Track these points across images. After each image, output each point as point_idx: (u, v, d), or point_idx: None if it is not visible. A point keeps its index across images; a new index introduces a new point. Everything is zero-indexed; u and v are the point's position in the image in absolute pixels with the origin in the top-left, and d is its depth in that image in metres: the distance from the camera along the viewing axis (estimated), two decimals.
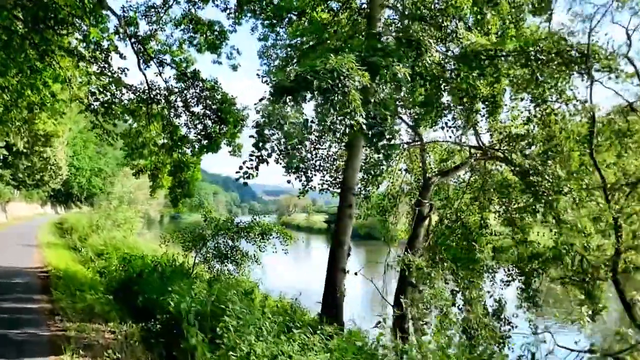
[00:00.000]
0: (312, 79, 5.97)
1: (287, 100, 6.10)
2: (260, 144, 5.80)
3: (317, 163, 11.30)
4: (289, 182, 10.99)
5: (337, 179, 11.46)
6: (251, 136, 5.93)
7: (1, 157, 26.69)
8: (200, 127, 13.07)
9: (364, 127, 6.20)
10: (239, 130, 12.73)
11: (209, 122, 12.90)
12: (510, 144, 9.26)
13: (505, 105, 9.17)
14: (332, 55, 6.34)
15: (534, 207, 9.59)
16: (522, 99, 8.99)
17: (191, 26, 12.89)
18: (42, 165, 33.74)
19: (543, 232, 10.36)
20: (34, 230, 29.31)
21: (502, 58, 7.37)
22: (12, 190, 43.93)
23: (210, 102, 12.47)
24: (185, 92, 12.48)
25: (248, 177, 5.95)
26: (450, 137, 10.56)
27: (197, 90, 12.44)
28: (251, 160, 5.89)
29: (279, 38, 13.36)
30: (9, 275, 11.79)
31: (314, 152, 11.22)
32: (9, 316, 7.34)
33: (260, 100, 6.47)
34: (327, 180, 11.23)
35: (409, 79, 6.70)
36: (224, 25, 12.89)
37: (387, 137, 6.43)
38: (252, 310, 6.06)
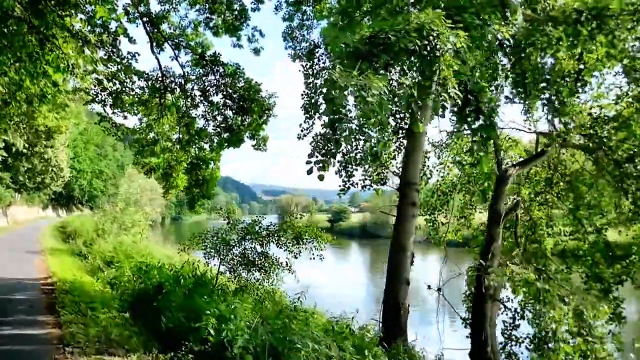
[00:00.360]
0: (395, 39, 4.56)
1: (362, 67, 4.66)
2: (336, 125, 4.39)
3: (358, 155, 9.93)
4: (321, 178, 9.64)
5: (381, 174, 10.07)
6: (323, 123, 4.50)
7: (0, 159, 25.26)
8: (219, 118, 11.68)
9: (458, 102, 4.81)
10: (265, 121, 11.31)
11: (230, 113, 11.49)
12: (595, 129, 7.84)
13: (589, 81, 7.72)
14: (414, 10, 4.91)
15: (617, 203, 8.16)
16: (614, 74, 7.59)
17: (207, 5, 11.46)
18: (43, 167, 32.32)
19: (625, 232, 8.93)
20: (36, 235, 27.97)
21: (611, 19, 5.94)
22: (12, 194, 42.57)
23: (231, 90, 11.05)
24: (204, 78, 11.06)
25: (323, 168, 4.55)
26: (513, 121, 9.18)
27: (217, 77, 11.02)
28: (325, 147, 4.50)
29: (306, 17, 11.95)
30: (9, 289, 10.40)
31: (354, 143, 9.87)
32: (9, 348, 5.94)
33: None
34: (369, 176, 9.85)
35: (510, 42, 5.28)
36: (245, 4, 11.44)
37: (486, 115, 5.01)
38: (328, 345, 4.64)
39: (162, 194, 14.76)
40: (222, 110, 11.48)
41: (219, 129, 11.74)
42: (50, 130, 15.65)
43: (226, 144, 11.74)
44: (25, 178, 33.03)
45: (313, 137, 9.84)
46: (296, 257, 10.07)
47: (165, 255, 14.99)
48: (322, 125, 9.94)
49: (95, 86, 10.95)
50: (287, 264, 10.19)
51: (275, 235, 10.20)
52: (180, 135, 12.18)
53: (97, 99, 10.96)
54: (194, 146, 12.03)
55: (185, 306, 7.61)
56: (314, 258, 10.12)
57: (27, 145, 25.62)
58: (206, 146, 12.03)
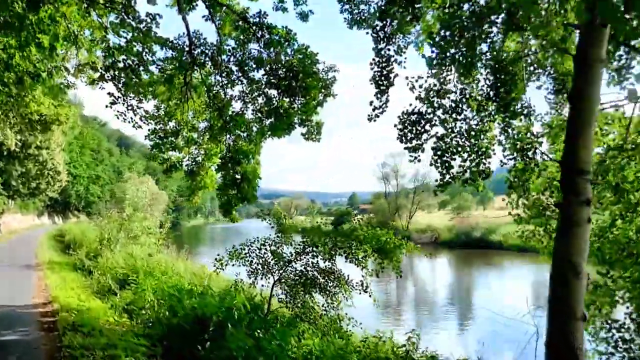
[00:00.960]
0: None
1: None
2: None
3: (454, 141, 7.59)
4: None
5: (483, 164, 7.70)
6: None
7: None
8: (261, 100, 9.29)
9: None
10: (321, 102, 8.93)
11: (275, 92, 9.11)
12: None
13: None
14: None
15: None
16: None
17: None
18: (37, 172, 29.67)
19: None
20: (32, 245, 25.42)
21: None
22: (5, 201, 39.91)
23: (279, 63, 8.66)
24: (244, 47, 8.65)
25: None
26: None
27: (260, 45, 8.61)
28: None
29: None
30: None
31: (452, 122, 7.51)
32: None
33: None
34: (469, 167, 7.51)
35: None
36: None
37: None
38: None
39: (187, 197, 12.26)
40: (265, 90, 9.09)
41: (260, 114, 9.35)
42: (46, 121, 13.14)
43: (269, 132, 9.34)
44: (18, 183, 30.37)
45: (399, 117, 7.52)
46: (378, 276, 7.67)
47: (192, 272, 12.53)
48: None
49: (104, 60, 8.55)
50: (362, 284, 7.80)
51: (346, 245, 7.79)
52: (211, 122, 9.77)
53: (106, 77, 8.55)
54: (227, 135, 9.63)
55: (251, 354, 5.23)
56: (400, 276, 7.72)
57: (19, 144, 22.93)
58: (244, 135, 9.61)
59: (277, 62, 8.76)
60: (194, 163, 10.37)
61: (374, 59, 8.66)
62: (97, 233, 24.95)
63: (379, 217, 74.79)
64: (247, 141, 9.60)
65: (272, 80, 8.94)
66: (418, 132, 7.18)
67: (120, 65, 8.32)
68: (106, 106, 8.58)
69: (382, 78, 8.30)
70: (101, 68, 8.52)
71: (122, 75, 8.41)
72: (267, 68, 8.86)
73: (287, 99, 8.95)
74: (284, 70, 8.69)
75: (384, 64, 8.52)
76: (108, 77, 8.47)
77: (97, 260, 15.40)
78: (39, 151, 27.20)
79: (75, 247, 20.34)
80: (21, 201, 46.10)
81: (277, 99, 9.05)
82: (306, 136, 9.40)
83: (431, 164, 7.23)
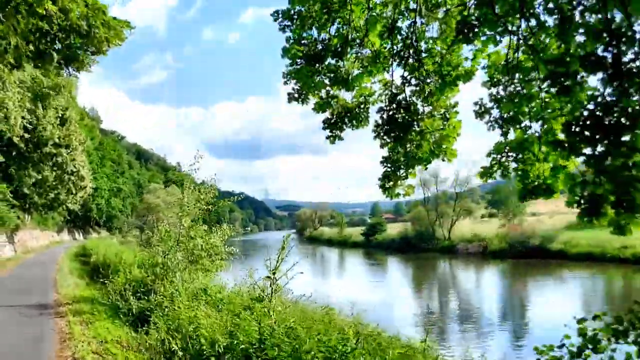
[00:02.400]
0: None
1: None
2: None
3: None
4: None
5: None
6: None
7: None
8: None
9: None
10: None
11: None
12: None
13: None
14: None
15: None
16: None
17: None
18: (56, 178, 24.03)
19: None
20: (50, 269, 19.87)
21: None
22: (21, 215, 34.72)
23: None
24: None
25: None
26: None
27: None
28: None
29: None
30: None
31: None
32: None
33: None
34: None
35: None
36: None
37: None
38: None
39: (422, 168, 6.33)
40: None
41: None
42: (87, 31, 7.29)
43: None
44: (33, 192, 24.88)
45: None
46: None
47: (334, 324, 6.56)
48: None
49: None
50: None
51: None
52: None
53: None
54: None
55: None
56: None
57: (28, 127, 17.18)
58: None
59: None
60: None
61: None
62: (131, 253, 19.40)
63: (417, 226, 68.31)
64: None
65: None
66: None
67: None
68: None
69: None
70: None
71: None
72: None
73: None
74: None
75: None
76: None
77: (151, 300, 9.61)
78: (57, 150, 21.54)
79: (106, 272, 14.52)
80: (39, 215, 41.07)
81: None
82: None
83: None
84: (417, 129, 5.48)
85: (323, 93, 6.18)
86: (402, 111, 5.48)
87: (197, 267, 12.09)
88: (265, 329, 5.40)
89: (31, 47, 8.19)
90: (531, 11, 4.11)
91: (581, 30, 3.52)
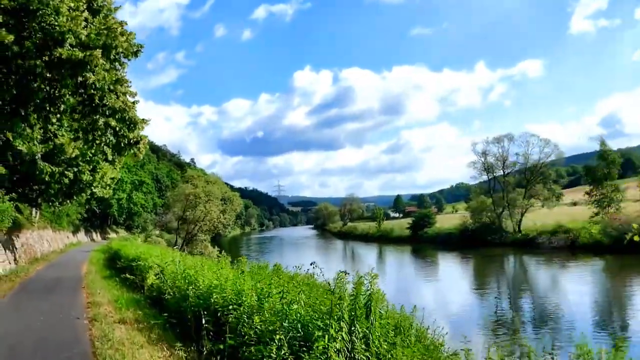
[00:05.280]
0: None
1: None
2: None
3: None
4: None
5: None
6: None
7: None
8: None
9: None
10: None
11: None
12: None
13: None
14: None
15: None
16: None
17: None
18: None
19: None
20: (74, 304, 11.06)
21: None
22: (25, 209, 26.24)
23: None
24: None
25: None
26: None
27: None
28: None
29: None
30: None
31: None
32: None
33: None
34: None
35: None
36: None
37: None
38: None
39: None
40: None
41: None
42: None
43: None
44: (45, 172, 16.36)
45: None
46: None
47: None
48: None
49: None
50: None
51: None
52: None
53: None
54: None
55: None
56: None
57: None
58: None
59: None
60: None
61: None
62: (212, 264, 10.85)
63: (478, 217, 59.25)
64: None
65: None
66: None
67: None
68: None
69: None
70: None
71: None
72: None
73: None
74: None
75: None
76: None
77: None
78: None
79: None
80: (50, 213, 32.64)
81: None
82: None
83: None
84: None
85: None
86: None
87: None
88: None
89: None
90: None
91: None
